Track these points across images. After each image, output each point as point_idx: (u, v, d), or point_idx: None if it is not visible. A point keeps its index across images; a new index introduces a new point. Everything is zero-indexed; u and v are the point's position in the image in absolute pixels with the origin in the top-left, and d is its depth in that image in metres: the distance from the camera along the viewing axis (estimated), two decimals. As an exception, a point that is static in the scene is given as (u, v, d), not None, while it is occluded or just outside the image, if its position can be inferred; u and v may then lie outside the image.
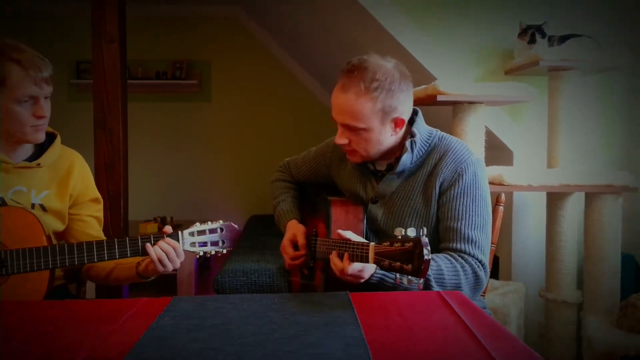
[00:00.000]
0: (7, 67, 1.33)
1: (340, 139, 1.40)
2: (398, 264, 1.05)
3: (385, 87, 1.31)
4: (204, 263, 4.41)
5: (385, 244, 1.10)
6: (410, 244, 1.04)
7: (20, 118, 1.37)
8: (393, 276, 1.25)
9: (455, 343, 0.97)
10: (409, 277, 1.04)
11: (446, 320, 1.08)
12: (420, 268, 1.01)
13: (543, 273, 2.45)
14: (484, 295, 1.69)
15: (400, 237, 1.07)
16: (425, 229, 1.05)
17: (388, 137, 1.38)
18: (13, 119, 1.37)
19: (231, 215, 4.77)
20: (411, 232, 1.05)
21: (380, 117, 1.34)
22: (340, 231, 1.27)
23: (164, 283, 3.88)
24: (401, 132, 1.41)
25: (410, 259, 1.03)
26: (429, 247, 1.01)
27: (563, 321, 2.33)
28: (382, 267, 1.10)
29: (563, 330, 2.33)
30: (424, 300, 1.22)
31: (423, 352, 0.93)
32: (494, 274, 2.58)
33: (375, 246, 1.12)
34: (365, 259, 1.14)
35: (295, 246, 1.55)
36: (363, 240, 1.25)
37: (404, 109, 1.37)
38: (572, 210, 2.34)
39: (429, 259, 1.00)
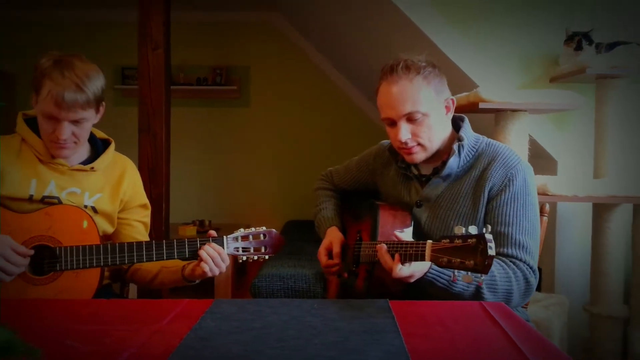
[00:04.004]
0: (43, 81, 1.38)
1: (404, 135, 1.37)
2: (458, 260, 1.04)
3: (430, 69, 1.37)
4: (240, 266, 4.45)
5: (444, 241, 1.09)
6: (474, 240, 1.02)
7: (44, 131, 1.44)
8: (448, 276, 1.25)
9: (499, 355, 0.95)
10: (469, 273, 1.03)
11: (489, 331, 1.06)
12: (484, 264, 1.00)
13: (587, 286, 2.37)
14: (526, 307, 1.65)
15: (461, 235, 1.05)
16: (489, 227, 1.04)
17: (444, 122, 1.42)
18: (41, 129, 1.45)
19: (268, 220, 4.80)
20: (473, 230, 1.04)
21: (435, 97, 1.37)
22: (397, 232, 1.28)
23: (202, 285, 3.92)
24: (449, 130, 1.45)
25: (472, 255, 1.01)
26: (493, 244, 1.00)
27: (608, 337, 2.25)
28: (439, 264, 1.09)
29: (608, 346, 2.25)
30: (465, 310, 1.20)
31: (466, 363, 0.91)
32: (537, 285, 2.52)
33: (432, 244, 1.11)
34: (421, 257, 1.13)
35: (330, 254, 1.56)
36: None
37: (448, 93, 1.42)
38: (619, 222, 2.26)
39: (494, 255, 0.99)
